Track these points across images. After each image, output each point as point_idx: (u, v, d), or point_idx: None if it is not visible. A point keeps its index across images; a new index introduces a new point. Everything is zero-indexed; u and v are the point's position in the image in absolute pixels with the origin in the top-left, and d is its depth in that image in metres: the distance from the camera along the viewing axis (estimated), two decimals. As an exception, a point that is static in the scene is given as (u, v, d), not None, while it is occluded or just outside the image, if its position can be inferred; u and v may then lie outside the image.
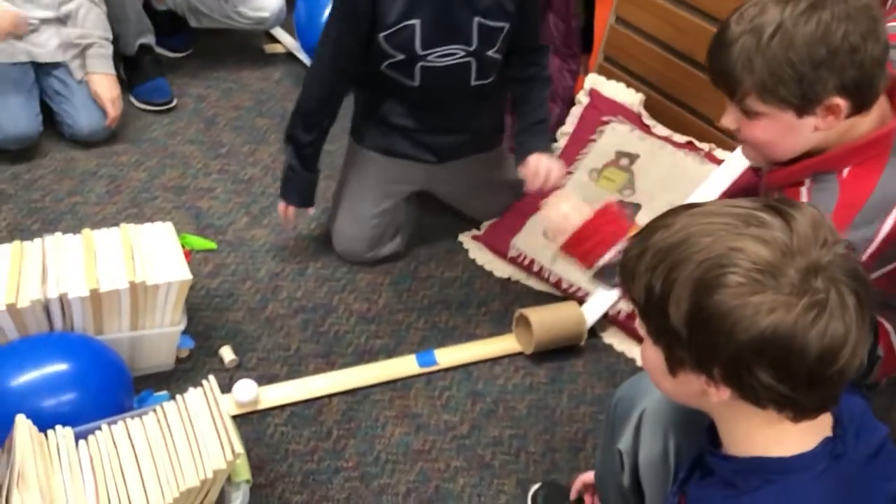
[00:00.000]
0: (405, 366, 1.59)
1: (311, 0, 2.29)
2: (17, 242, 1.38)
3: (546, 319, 1.62)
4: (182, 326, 1.46)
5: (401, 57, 1.51)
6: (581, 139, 1.90)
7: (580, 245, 1.31)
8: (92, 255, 1.38)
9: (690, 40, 1.85)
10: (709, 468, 0.84)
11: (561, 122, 2.11)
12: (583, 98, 1.94)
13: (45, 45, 1.96)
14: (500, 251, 1.82)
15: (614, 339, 1.70)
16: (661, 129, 1.90)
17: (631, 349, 1.68)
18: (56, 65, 1.99)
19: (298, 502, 1.36)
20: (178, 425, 1.15)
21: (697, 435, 0.88)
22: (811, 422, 0.77)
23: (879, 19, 0.99)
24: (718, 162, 1.80)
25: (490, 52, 1.53)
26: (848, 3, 0.97)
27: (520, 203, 1.90)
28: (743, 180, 1.62)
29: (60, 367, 1.26)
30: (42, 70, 2.00)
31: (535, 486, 1.39)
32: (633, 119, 1.91)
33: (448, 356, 1.62)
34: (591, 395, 1.59)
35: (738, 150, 1.55)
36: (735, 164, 1.68)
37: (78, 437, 1.14)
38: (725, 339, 0.71)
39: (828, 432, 0.79)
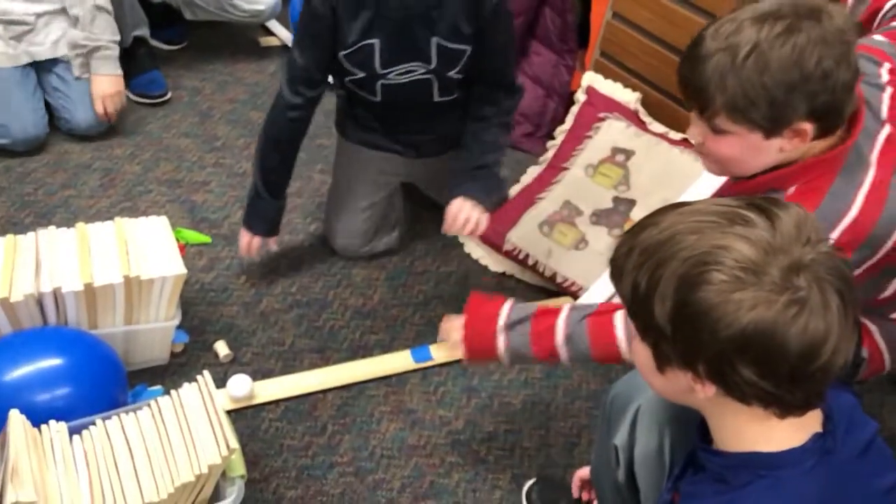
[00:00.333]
0: (400, 361, 1.59)
1: (307, -7, 2.28)
2: (10, 236, 1.38)
3: (541, 315, 1.62)
4: (176, 321, 1.46)
5: (362, 74, 1.52)
6: (578, 136, 1.90)
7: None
8: (86, 249, 1.37)
9: (687, 36, 1.82)
10: (701, 464, 0.85)
11: (557, 118, 2.11)
12: (580, 96, 1.94)
13: (44, 43, 1.96)
14: (496, 245, 1.82)
15: (609, 335, 1.71)
16: (656, 126, 1.90)
17: (625, 345, 1.69)
18: (55, 60, 1.98)
19: (293, 497, 1.36)
20: (173, 420, 1.15)
21: (692, 431, 0.88)
22: (800, 418, 0.77)
23: (852, 44, 0.99)
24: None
25: (451, 73, 1.51)
26: (823, 26, 0.97)
27: (515, 197, 1.90)
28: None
29: (54, 361, 1.25)
30: (41, 66, 1.99)
31: (530, 482, 1.39)
32: (630, 116, 1.91)
33: (443, 352, 1.62)
34: (585, 391, 1.59)
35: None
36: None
37: (72, 431, 1.14)
38: (708, 336, 0.72)
39: (817, 428, 0.79)
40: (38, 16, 1.94)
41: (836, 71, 0.97)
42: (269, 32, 2.55)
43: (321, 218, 1.88)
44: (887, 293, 1.16)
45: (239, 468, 1.19)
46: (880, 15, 1.27)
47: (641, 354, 0.82)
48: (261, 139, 1.61)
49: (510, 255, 1.80)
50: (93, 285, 1.32)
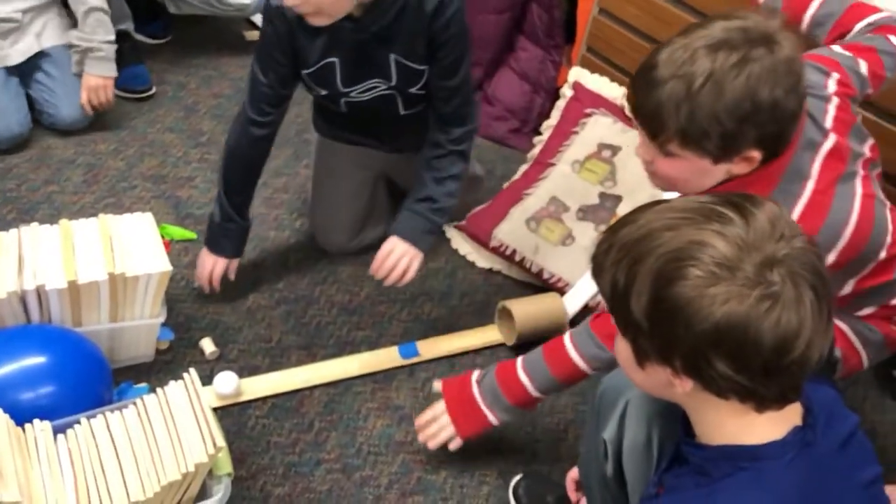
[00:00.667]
0: (387, 357, 1.59)
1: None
2: (-8, 233, 1.36)
3: (528, 311, 1.62)
4: (162, 318, 1.45)
5: (325, 92, 1.51)
6: (564, 131, 1.90)
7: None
8: (70, 246, 1.36)
9: (673, 32, 1.85)
10: (684, 457, 0.86)
11: (543, 114, 2.11)
12: (567, 91, 1.94)
13: (27, 39, 1.94)
14: (483, 241, 1.82)
15: (595, 331, 1.71)
16: (643, 121, 1.91)
17: (612, 340, 1.69)
18: (39, 54, 1.96)
19: (280, 495, 1.36)
20: (159, 418, 1.14)
21: (678, 424, 0.89)
22: (779, 412, 0.78)
23: (801, 74, 1.02)
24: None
25: (413, 90, 1.48)
26: (774, 56, 0.99)
27: (502, 193, 1.90)
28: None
29: (38, 359, 1.24)
30: (25, 62, 1.97)
31: (517, 477, 1.40)
32: (616, 112, 1.91)
33: (430, 348, 1.62)
34: (572, 386, 1.60)
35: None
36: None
37: (56, 430, 1.13)
38: (683, 331, 0.74)
39: (797, 421, 0.80)
40: (24, 12, 1.92)
41: (785, 101, 1.00)
42: (255, 27, 2.53)
43: (307, 214, 1.87)
44: (845, 291, 1.18)
45: (226, 466, 1.18)
46: (847, 39, 1.27)
47: (623, 350, 0.83)
48: (225, 159, 1.57)
49: (497, 252, 1.81)
50: (77, 283, 1.30)
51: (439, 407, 1.38)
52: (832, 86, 1.16)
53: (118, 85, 2.16)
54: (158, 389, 1.18)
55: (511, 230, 1.81)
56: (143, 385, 1.46)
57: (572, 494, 1.26)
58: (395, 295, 1.74)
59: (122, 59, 2.16)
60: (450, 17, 1.35)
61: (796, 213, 1.07)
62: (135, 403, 1.17)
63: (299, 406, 1.50)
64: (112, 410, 1.17)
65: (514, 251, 1.79)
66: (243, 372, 1.52)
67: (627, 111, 1.90)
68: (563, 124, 1.92)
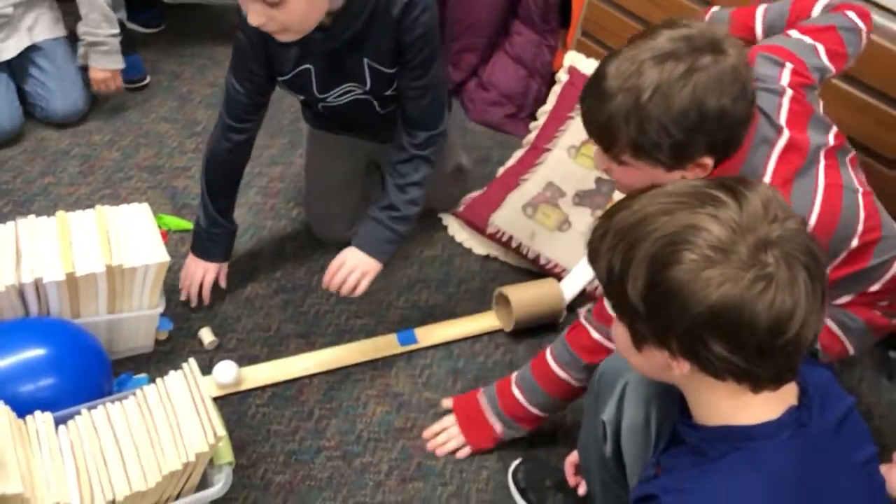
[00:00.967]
0: (386, 345, 1.60)
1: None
2: (-11, 226, 1.36)
3: (525, 297, 1.63)
4: (160, 309, 1.45)
5: (302, 97, 1.51)
6: (560, 117, 1.90)
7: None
8: (67, 238, 1.36)
9: (668, 15, 1.85)
10: (681, 438, 0.87)
11: (539, 99, 2.11)
12: (563, 76, 1.93)
13: (19, 33, 1.93)
14: (479, 228, 1.83)
15: (593, 316, 1.72)
16: (638, 106, 1.91)
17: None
18: (31, 47, 1.95)
19: (281, 482, 1.37)
20: (159, 409, 1.15)
21: (676, 405, 0.90)
22: (775, 392, 0.79)
23: (748, 79, 1.02)
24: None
25: (388, 92, 1.47)
26: (720, 64, 1.00)
27: (498, 179, 1.90)
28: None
29: (38, 352, 1.25)
30: (17, 56, 1.96)
31: (516, 462, 1.41)
32: (611, 95, 1.91)
33: (428, 334, 1.63)
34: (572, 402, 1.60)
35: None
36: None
37: (57, 422, 1.14)
38: (679, 314, 0.75)
39: (793, 402, 0.81)
40: (15, 6, 1.91)
41: (732, 108, 1.00)
42: (248, 14, 2.52)
43: (303, 203, 1.87)
44: None
45: (226, 455, 1.19)
46: (805, 22, 1.27)
47: (620, 334, 0.84)
48: (206, 166, 1.56)
49: (494, 238, 1.81)
50: (75, 275, 1.31)
51: (448, 420, 1.44)
52: (786, 77, 1.15)
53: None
54: (158, 380, 1.18)
55: (507, 216, 1.81)
56: (143, 376, 1.46)
57: (571, 479, 1.27)
58: (393, 283, 1.74)
59: (115, 49, 2.16)
60: (416, 18, 1.33)
61: None
62: (135, 394, 1.18)
63: (299, 394, 1.51)
64: (112, 401, 1.17)
65: (511, 237, 1.79)
66: (242, 361, 1.53)
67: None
68: (559, 109, 1.91)
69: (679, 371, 0.79)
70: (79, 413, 1.16)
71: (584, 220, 1.78)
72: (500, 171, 1.94)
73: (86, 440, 1.12)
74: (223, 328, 1.60)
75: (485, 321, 1.67)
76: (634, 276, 0.77)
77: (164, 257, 1.38)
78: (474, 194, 1.89)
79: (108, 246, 1.36)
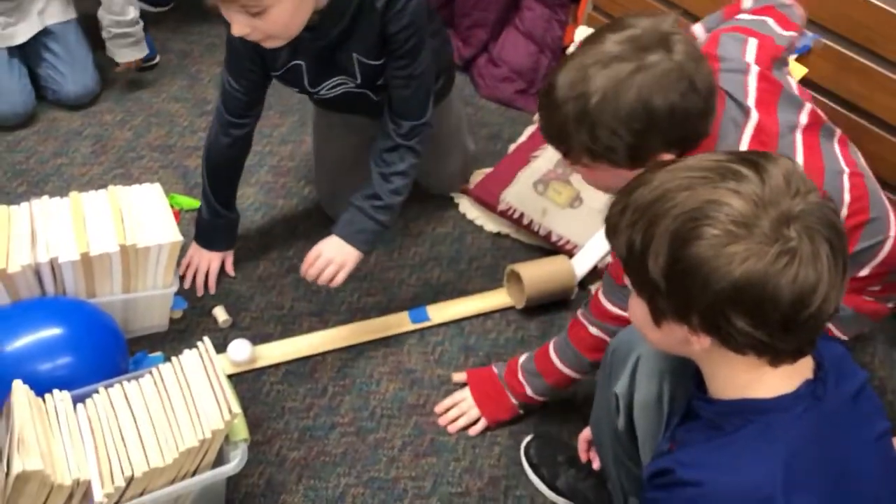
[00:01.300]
0: (398, 322, 1.61)
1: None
2: (3, 207, 1.37)
3: (537, 275, 1.63)
4: (175, 288, 1.47)
5: (296, 90, 1.51)
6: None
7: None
8: (81, 219, 1.37)
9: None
10: (696, 412, 0.87)
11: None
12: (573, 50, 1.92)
13: (30, 17, 1.93)
14: (490, 205, 1.82)
15: (604, 292, 1.72)
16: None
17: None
18: (42, 31, 1.95)
19: (296, 458, 1.39)
20: (175, 387, 1.16)
21: (690, 380, 0.90)
22: (791, 365, 0.79)
23: (694, 74, 1.00)
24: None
25: (380, 82, 1.46)
26: (665, 60, 0.98)
27: (509, 156, 1.89)
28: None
29: (55, 331, 1.26)
30: (29, 41, 1.96)
31: (528, 438, 1.42)
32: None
33: (440, 312, 1.63)
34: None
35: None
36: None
37: (75, 400, 1.15)
38: (702, 289, 0.74)
39: (808, 375, 0.81)
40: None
41: (683, 103, 0.99)
42: (257, -8, 2.50)
43: (314, 182, 1.87)
44: None
45: (242, 432, 1.20)
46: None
47: (638, 309, 0.84)
48: (206, 160, 1.57)
49: (505, 215, 1.81)
50: (89, 255, 1.32)
51: (460, 395, 1.45)
52: (751, 52, 1.14)
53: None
54: (173, 358, 1.19)
55: (519, 193, 1.81)
56: (158, 354, 1.48)
57: (583, 454, 1.27)
58: (405, 261, 1.75)
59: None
60: (401, 7, 1.32)
61: None
62: (151, 373, 1.19)
63: (313, 371, 1.52)
64: (129, 380, 1.19)
65: (522, 214, 1.79)
66: (256, 339, 1.54)
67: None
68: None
69: (699, 346, 0.79)
70: (96, 391, 1.17)
71: (595, 197, 1.78)
72: (511, 147, 1.94)
73: (104, 418, 1.14)
74: (237, 307, 1.61)
75: (496, 298, 1.68)
76: (656, 252, 0.76)
77: (177, 237, 1.39)
78: (485, 171, 1.89)
79: (122, 226, 1.37)
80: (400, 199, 1.47)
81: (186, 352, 1.20)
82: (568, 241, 1.75)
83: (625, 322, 1.21)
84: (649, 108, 0.98)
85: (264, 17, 1.20)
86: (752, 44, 1.15)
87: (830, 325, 1.22)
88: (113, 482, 1.06)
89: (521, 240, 1.82)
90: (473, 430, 1.43)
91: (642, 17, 1.03)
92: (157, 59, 2.19)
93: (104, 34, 1.98)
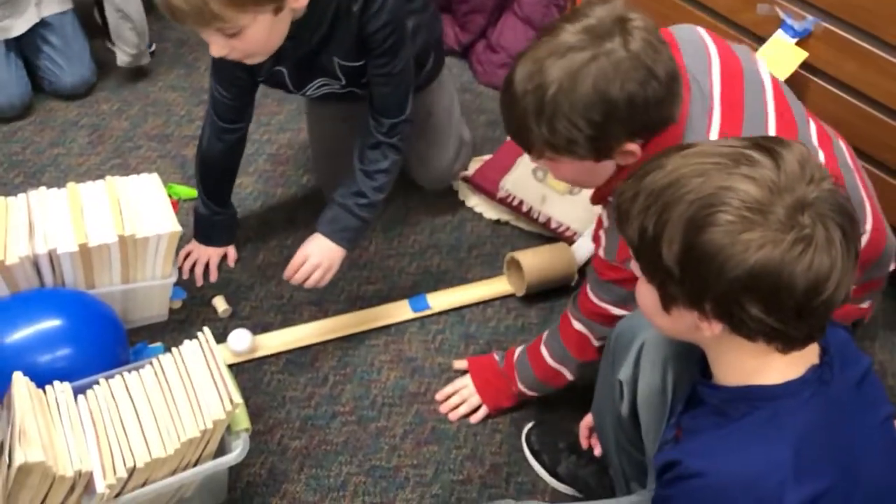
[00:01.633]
0: (398, 311, 1.60)
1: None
2: (1, 198, 1.36)
3: (537, 262, 1.62)
4: (174, 278, 1.46)
5: (282, 91, 1.51)
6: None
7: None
8: (78, 209, 1.36)
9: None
10: (701, 399, 0.87)
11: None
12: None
13: (27, 9, 1.91)
14: (490, 192, 1.82)
15: (605, 279, 1.72)
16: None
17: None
18: (39, 24, 1.94)
19: (297, 447, 1.39)
20: (176, 377, 1.16)
21: (694, 366, 0.90)
22: (799, 351, 0.79)
23: (653, 61, 0.98)
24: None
25: (364, 80, 1.46)
26: (621, 49, 0.96)
27: (508, 143, 1.88)
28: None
29: (54, 322, 1.26)
30: (27, 32, 1.95)
31: (529, 425, 1.42)
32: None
33: (440, 300, 1.63)
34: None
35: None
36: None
37: (76, 391, 1.15)
38: (716, 277, 0.74)
39: (815, 360, 0.81)
40: None
41: (641, 91, 0.97)
42: (253, -21, 2.48)
43: (311, 170, 1.86)
44: None
45: (243, 422, 1.20)
46: None
47: (647, 295, 0.83)
48: (200, 164, 1.57)
49: (505, 202, 1.80)
50: (88, 245, 1.31)
51: (461, 382, 1.45)
52: (706, 35, 1.13)
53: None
54: (174, 348, 1.19)
55: (518, 180, 1.80)
56: (158, 344, 1.48)
57: (584, 441, 1.28)
58: (404, 249, 1.74)
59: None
60: (378, 7, 1.32)
61: None
62: (151, 363, 1.19)
63: (313, 361, 1.52)
64: (129, 370, 1.19)
65: (522, 201, 1.78)
66: (256, 329, 1.54)
67: None
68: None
69: (710, 332, 0.79)
70: (97, 382, 1.17)
71: (595, 183, 1.77)
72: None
73: (105, 409, 1.13)
74: (236, 296, 1.61)
75: (496, 286, 1.67)
76: (669, 239, 0.76)
77: (175, 227, 1.38)
78: (484, 158, 1.88)
79: (120, 216, 1.36)
80: (382, 195, 1.48)
81: (187, 342, 1.20)
82: (568, 228, 1.75)
83: (609, 320, 1.20)
84: (606, 97, 0.96)
85: (241, 38, 1.20)
86: (703, 30, 1.14)
87: None
88: (115, 473, 1.06)
89: (520, 227, 1.81)
90: (475, 418, 1.43)
91: (597, 6, 1.01)
92: (154, 47, 2.17)
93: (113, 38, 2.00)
